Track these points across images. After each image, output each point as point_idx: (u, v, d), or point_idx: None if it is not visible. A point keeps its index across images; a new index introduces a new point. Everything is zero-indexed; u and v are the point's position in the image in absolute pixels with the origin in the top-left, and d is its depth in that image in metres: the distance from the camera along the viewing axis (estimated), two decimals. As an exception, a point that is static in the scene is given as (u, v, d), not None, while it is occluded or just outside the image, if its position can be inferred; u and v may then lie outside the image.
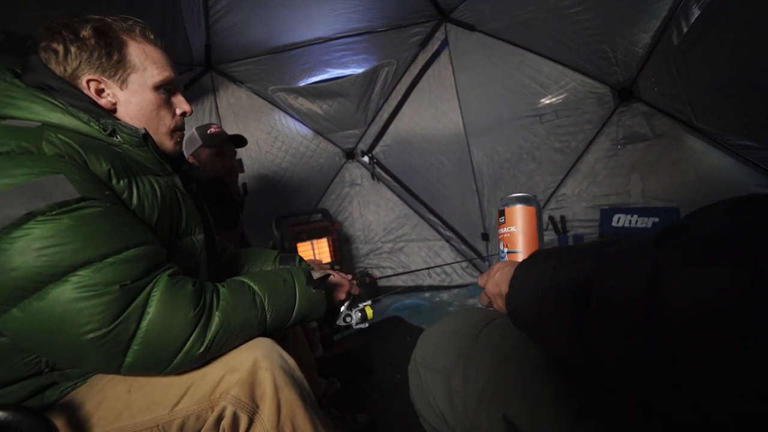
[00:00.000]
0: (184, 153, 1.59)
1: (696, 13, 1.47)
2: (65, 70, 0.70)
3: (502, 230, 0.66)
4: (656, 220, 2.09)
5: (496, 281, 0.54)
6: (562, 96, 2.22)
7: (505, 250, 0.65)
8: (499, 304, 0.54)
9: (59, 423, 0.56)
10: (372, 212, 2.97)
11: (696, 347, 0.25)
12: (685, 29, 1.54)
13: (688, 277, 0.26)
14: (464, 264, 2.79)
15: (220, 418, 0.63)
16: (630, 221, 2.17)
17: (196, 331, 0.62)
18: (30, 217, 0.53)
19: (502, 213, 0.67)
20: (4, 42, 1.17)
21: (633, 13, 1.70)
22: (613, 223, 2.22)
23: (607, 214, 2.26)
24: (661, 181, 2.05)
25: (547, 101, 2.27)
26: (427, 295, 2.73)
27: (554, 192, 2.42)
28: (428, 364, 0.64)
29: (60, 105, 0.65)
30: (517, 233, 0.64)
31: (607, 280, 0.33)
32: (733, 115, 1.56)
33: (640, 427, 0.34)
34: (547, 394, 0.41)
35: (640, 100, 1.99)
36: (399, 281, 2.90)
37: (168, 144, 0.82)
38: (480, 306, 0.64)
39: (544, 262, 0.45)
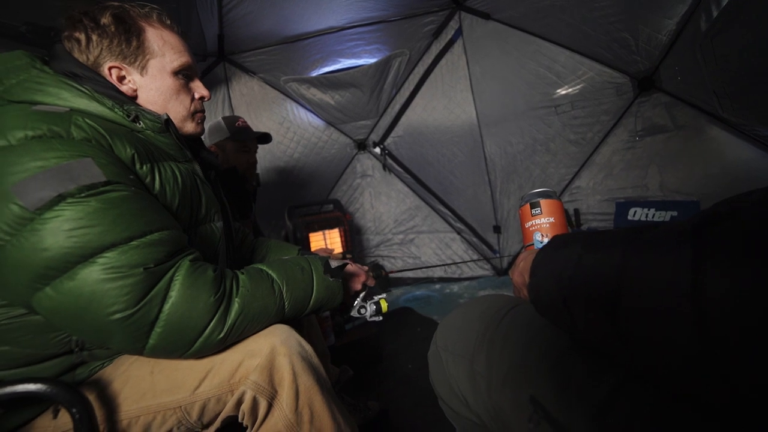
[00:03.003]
0: (208, 141, 1.60)
1: (727, -4, 1.40)
2: (88, 58, 0.71)
3: (538, 221, 0.68)
4: (675, 213, 2.04)
5: (521, 271, 0.53)
6: (578, 86, 2.16)
7: (545, 239, 0.66)
8: (524, 293, 0.53)
9: (90, 399, 0.58)
10: (383, 203, 2.96)
11: (741, 341, 0.25)
12: (715, 13, 1.48)
13: (732, 268, 0.26)
14: (475, 256, 2.77)
15: (239, 402, 0.64)
16: (647, 215, 2.12)
17: (217, 316, 0.63)
18: (61, 199, 0.54)
19: (536, 204, 0.69)
20: (28, 34, 1.20)
21: (658, -3, 1.64)
22: (629, 217, 2.18)
23: (622, 207, 2.21)
24: (681, 174, 2.00)
25: (563, 92, 2.21)
26: (437, 286, 2.73)
27: (568, 184, 2.38)
28: (450, 349, 0.64)
29: (86, 91, 0.66)
30: (557, 224, 0.67)
31: (643, 268, 0.32)
32: (763, 103, 1.49)
33: (670, 410, 0.33)
34: (575, 377, 0.41)
35: (662, 90, 1.93)
36: (410, 272, 2.90)
37: (189, 127, 0.83)
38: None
39: (566, 247, 0.44)
